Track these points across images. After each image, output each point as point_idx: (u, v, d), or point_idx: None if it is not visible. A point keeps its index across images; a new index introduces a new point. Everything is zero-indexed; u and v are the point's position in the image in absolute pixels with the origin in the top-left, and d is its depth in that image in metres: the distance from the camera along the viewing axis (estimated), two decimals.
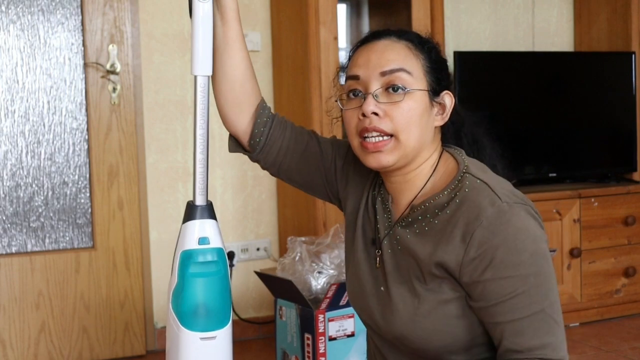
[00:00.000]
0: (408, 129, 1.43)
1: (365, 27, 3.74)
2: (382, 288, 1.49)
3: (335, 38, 3.24)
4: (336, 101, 1.55)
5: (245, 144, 1.64)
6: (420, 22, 3.35)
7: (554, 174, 3.83)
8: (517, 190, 1.45)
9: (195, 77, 1.49)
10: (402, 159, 1.45)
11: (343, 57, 3.57)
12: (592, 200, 3.69)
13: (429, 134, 1.47)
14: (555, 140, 3.86)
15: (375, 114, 1.43)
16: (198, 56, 1.48)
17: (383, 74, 1.44)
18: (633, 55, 3.94)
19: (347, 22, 3.72)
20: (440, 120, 1.49)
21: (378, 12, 3.74)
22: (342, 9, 3.67)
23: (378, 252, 1.52)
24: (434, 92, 1.47)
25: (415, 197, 1.49)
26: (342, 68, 1.57)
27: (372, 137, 1.44)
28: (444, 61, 1.52)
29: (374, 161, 1.46)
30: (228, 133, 1.61)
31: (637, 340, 3.47)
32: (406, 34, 1.50)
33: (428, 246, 1.42)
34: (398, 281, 1.46)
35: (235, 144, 1.67)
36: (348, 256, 1.63)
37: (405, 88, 1.43)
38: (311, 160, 1.66)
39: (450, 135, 1.57)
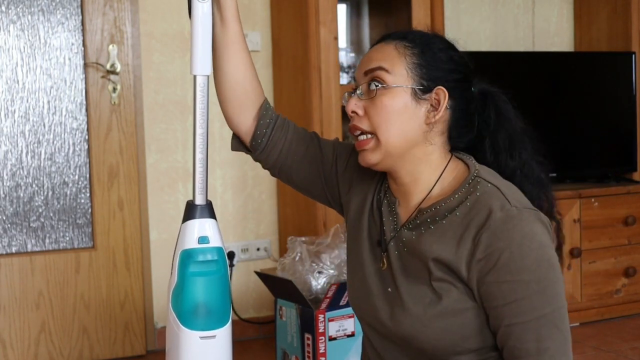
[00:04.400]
0: (384, 125, 1.45)
1: (365, 27, 3.74)
2: (389, 289, 1.50)
3: (335, 38, 3.24)
4: (343, 101, 1.57)
5: (247, 144, 1.65)
6: (420, 22, 3.35)
7: (554, 174, 3.82)
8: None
9: (195, 76, 1.49)
10: (388, 157, 1.47)
11: (343, 57, 3.58)
12: (592, 200, 3.69)
13: (415, 131, 1.47)
14: (555, 140, 3.86)
15: (355, 113, 1.48)
16: (197, 56, 1.48)
17: (365, 73, 1.49)
18: (633, 55, 3.94)
19: (347, 22, 3.72)
20: (433, 117, 1.47)
21: (378, 12, 3.74)
22: (342, 9, 3.67)
23: (384, 253, 1.52)
24: (423, 89, 1.46)
25: (422, 200, 1.49)
26: None
27: (358, 135, 1.50)
28: (448, 57, 1.51)
29: (361, 159, 1.51)
30: (229, 132, 1.61)
31: (637, 340, 3.47)
32: (402, 35, 1.51)
33: (432, 243, 1.43)
34: (407, 282, 1.47)
35: (237, 142, 1.68)
36: (351, 258, 1.63)
37: (378, 84, 1.45)
38: (311, 163, 1.67)
39: (477, 135, 1.55)
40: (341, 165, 1.66)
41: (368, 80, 1.48)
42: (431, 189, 1.49)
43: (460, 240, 1.40)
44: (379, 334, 1.54)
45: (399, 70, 1.46)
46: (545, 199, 1.55)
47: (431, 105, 1.47)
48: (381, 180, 1.60)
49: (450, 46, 1.53)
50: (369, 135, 1.47)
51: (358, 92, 1.49)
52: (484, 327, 1.42)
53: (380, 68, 1.46)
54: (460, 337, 1.42)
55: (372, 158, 1.48)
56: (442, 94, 1.47)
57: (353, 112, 1.48)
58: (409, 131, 1.46)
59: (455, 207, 1.43)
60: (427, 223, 1.46)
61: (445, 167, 1.50)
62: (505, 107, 1.58)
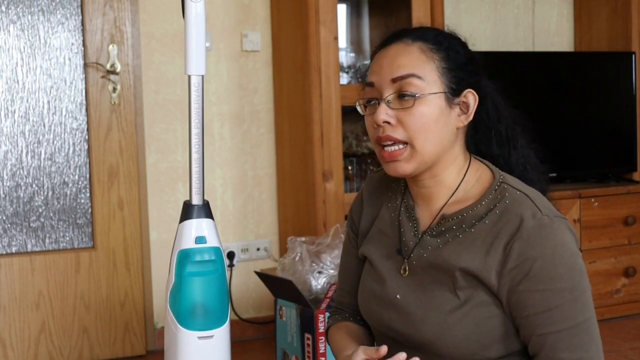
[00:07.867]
0: (422, 135, 1.40)
1: (365, 27, 3.74)
2: (398, 296, 1.47)
3: (335, 38, 3.24)
4: (357, 106, 1.51)
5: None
6: (420, 22, 3.34)
7: (554, 174, 3.81)
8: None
9: (189, 76, 1.48)
10: (422, 166, 1.43)
11: (343, 57, 3.58)
12: (592, 200, 3.69)
13: (449, 137, 1.44)
14: (555, 140, 3.86)
15: (388, 122, 1.41)
16: (192, 56, 1.48)
17: (394, 80, 1.42)
18: (633, 55, 3.94)
19: (347, 22, 3.72)
20: (463, 121, 1.45)
21: (378, 12, 3.74)
22: (342, 9, 3.67)
23: (406, 260, 1.49)
24: (453, 92, 1.43)
25: (445, 204, 1.46)
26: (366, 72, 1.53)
27: (388, 145, 1.42)
28: (468, 57, 1.47)
29: (392, 170, 1.44)
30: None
31: (637, 340, 3.47)
32: (422, 35, 1.45)
33: (461, 252, 1.40)
34: (429, 288, 1.44)
35: None
36: (363, 272, 1.60)
37: (415, 94, 1.39)
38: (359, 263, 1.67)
39: (483, 130, 1.53)
40: (357, 219, 1.65)
41: (398, 88, 1.41)
42: (454, 192, 1.46)
43: (489, 248, 1.37)
44: (395, 341, 1.51)
45: (431, 77, 1.41)
46: (545, 185, 1.54)
47: (460, 109, 1.45)
48: (394, 191, 1.58)
49: (466, 45, 1.50)
50: (402, 145, 1.41)
51: (387, 99, 1.41)
52: (508, 336, 1.40)
53: (413, 75, 1.40)
54: (479, 345, 1.40)
55: (407, 168, 1.42)
56: (471, 97, 1.45)
57: (385, 122, 1.41)
58: (443, 137, 1.42)
59: (484, 215, 1.40)
60: (454, 230, 1.43)
61: (468, 167, 1.48)
62: (498, 98, 1.56)
